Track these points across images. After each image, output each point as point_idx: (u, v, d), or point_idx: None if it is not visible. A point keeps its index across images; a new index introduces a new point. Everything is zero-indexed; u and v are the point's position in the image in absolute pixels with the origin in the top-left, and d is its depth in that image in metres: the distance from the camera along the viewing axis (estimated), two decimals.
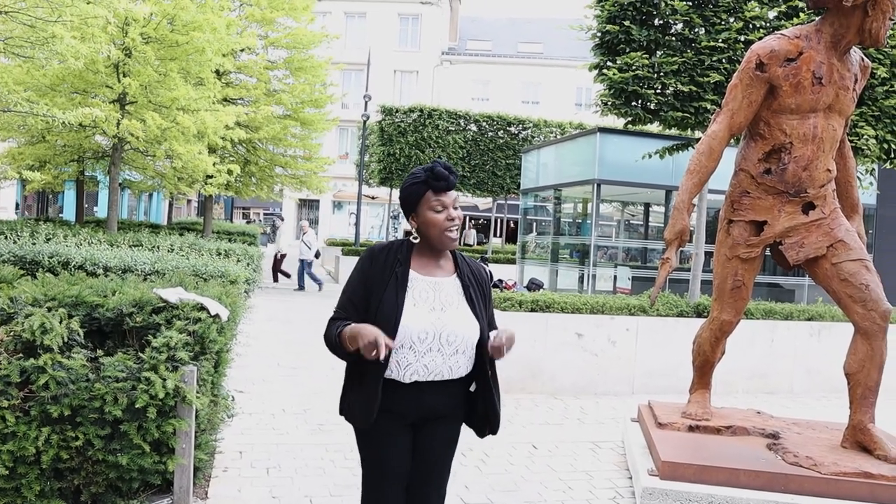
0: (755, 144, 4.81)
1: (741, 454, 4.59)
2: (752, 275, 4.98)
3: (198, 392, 3.83)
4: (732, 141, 4.97)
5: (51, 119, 9.40)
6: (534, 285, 13.38)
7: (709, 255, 10.10)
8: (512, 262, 21.21)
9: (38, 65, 9.73)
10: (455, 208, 2.65)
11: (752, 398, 7.70)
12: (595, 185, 13.01)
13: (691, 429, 5.07)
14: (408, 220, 2.73)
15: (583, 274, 14.03)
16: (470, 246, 27.46)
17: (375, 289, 2.60)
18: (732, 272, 4.96)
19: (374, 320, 2.53)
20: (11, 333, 3.68)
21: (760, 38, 5.58)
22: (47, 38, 8.15)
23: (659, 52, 8.75)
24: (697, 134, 9.00)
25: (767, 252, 5.04)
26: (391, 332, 2.50)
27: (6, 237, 9.50)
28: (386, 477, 2.67)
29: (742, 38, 8.62)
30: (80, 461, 3.68)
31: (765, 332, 8.17)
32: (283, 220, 19.10)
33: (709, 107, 8.49)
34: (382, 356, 2.39)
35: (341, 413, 2.75)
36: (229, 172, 14.47)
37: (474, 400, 2.79)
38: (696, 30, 8.72)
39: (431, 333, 2.56)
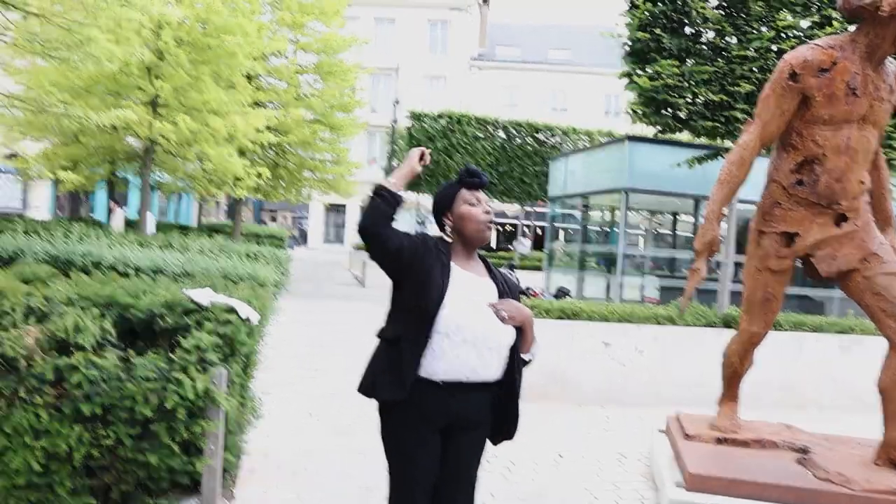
0: (787, 155, 4.75)
1: (770, 468, 4.53)
2: (782, 287, 4.92)
3: (227, 394, 3.87)
4: (764, 151, 4.93)
5: (85, 121, 9.56)
6: (561, 293, 13.34)
7: (738, 265, 10.01)
8: (539, 269, 21.15)
9: (73, 67, 9.89)
10: (489, 206, 2.79)
11: (780, 411, 7.58)
12: (624, 194, 12.94)
13: (719, 441, 5.02)
14: (440, 222, 2.81)
15: (610, 282, 13.96)
16: (525, 256, 26.68)
17: (425, 258, 2.64)
18: (762, 284, 4.90)
19: (419, 291, 2.58)
20: (46, 332, 3.75)
21: (793, 48, 5.52)
22: (82, 40, 8.31)
23: (690, 61, 8.70)
24: (728, 143, 8.93)
25: (798, 263, 4.99)
26: (434, 308, 2.56)
27: (41, 237, 9.66)
28: (414, 481, 2.66)
29: (774, 47, 8.52)
30: (111, 459, 3.72)
31: (793, 345, 8.06)
32: (118, 202, 18.61)
33: (739, 116, 8.41)
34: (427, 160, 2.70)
35: (360, 389, 2.72)
36: (258, 175, 14.62)
37: (496, 406, 2.79)
38: (728, 38, 8.65)
39: (467, 326, 2.58)
